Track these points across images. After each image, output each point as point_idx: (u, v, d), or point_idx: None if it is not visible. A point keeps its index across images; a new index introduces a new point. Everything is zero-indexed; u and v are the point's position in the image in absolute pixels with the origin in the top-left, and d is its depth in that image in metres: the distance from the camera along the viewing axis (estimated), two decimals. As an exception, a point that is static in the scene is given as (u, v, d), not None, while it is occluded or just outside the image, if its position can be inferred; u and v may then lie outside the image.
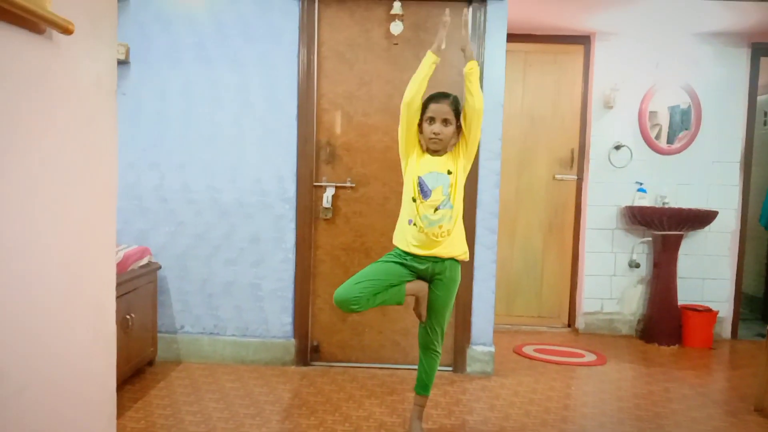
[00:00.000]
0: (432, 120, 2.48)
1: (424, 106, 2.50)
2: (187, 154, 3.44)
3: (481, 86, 3.35)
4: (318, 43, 3.41)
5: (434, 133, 2.47)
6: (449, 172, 2.48)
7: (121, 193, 3.36)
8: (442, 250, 2.47)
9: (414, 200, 2.48)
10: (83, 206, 1.23)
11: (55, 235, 1.15)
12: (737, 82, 4.42)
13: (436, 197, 2.45)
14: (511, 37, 3.51)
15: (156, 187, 3.45)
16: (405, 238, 2.51)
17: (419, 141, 2.54)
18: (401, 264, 2.51)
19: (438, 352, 2.60)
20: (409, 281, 2.53)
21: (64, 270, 1.16)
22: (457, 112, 2.50)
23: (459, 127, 2.51)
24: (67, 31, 1.13)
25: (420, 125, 2.53)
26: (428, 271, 2.51)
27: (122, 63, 3.35)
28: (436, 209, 2.44)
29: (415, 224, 2.46)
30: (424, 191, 2.47)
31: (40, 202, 1.10)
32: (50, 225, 1.13)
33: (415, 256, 2.49)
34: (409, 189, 2.51)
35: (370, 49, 3.43)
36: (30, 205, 1.08)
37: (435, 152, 2.52)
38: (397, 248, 2.55)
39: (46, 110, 1.10)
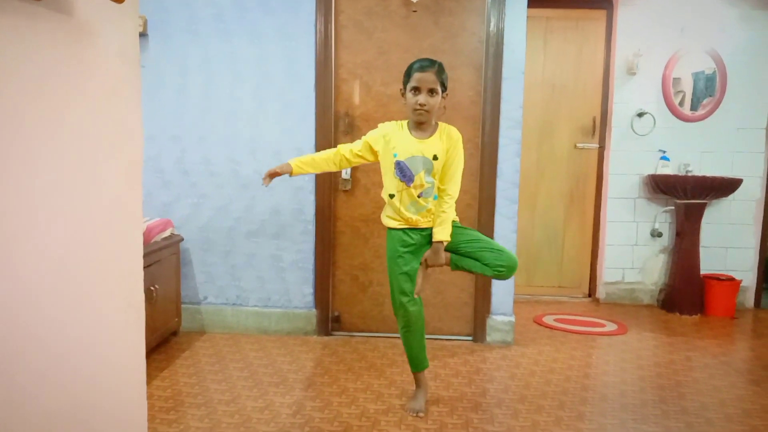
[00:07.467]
0: (417, 90, 2.35)
1: (408, 74, 2.39)
2: (208, 127, 3.44)
3: (502, 53, 3.30)
4: (335, 12, 3.37)
5: (420, 105, 2.34)
6: (435, 158, 2.40)
7: (144, 166, 3.36)
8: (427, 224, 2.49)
9: (392, 197, 2.46)
10: (114, 179, 1.25)
11: (90, 207, 1.16)
12: (764, 45, 4.30)
13: (418, 183, 2.41)
14: (532, 2, 3.43)
15: (178, 160, 3.47)
16: (392, 219, 2.53)
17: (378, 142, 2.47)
18: (402, 253, 2.50)
19: (503, 267, 2.44)
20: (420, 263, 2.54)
21: (97, 241, 1.18)
22: (442, 81, 2.37)
23: (444, 97, 2.42)
24: None
25: (403, 93, 2.43)
26: (426, 236, 2.50)
27: (140, 35, 3.34)
28: (419, 196, 2.42)
29: (399, 215, 2.48)
30: (405, 176, 2.41)
31: (76, 177, 1.11)
32: (85, 198, 1.15)
33: (408, 230, 2.51)
34: (388, 180, 2.47)
35: (389, 17, 3.38)
36: (66, 179, 1.09)
37: (419, 125, 2.43)
38: (389, 230, 2.55)
39: (75, 83, 1.10)
